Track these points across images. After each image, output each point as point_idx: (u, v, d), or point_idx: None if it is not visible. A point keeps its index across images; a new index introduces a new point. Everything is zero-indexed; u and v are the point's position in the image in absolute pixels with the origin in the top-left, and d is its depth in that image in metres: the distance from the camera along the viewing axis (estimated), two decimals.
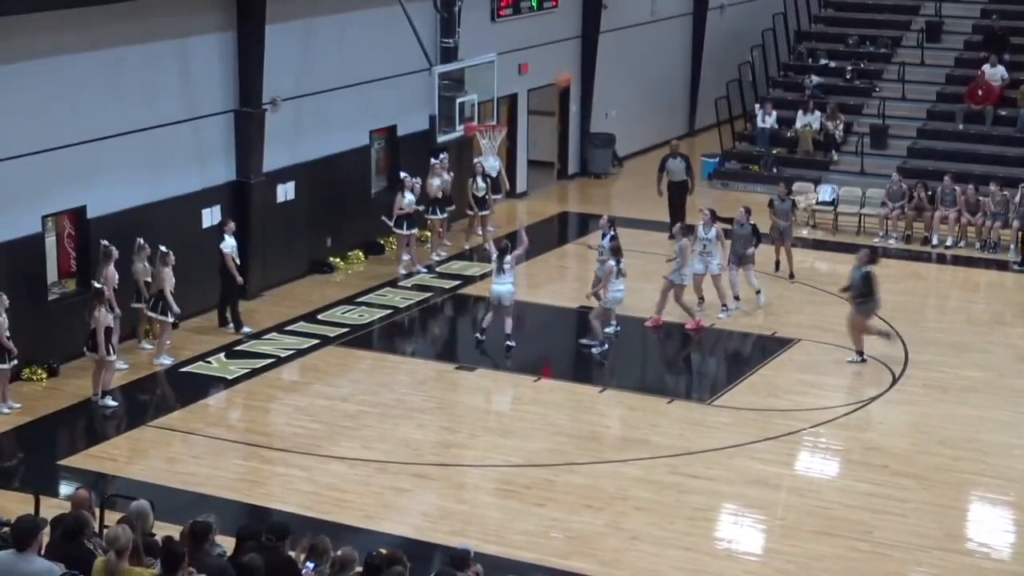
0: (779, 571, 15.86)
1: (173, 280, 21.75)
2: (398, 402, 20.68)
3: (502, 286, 22.96)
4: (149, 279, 22.01)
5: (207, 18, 24.17)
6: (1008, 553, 16.71)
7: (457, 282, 26.49)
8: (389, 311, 24.79)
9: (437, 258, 27.59)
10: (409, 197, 26.65)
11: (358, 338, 23.49)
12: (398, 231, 26.80)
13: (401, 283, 26.23)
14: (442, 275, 26.75)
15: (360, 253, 27.56)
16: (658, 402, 20.73)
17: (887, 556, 16.15)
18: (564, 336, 25.03)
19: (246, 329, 23.36)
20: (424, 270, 26.86)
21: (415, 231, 27.02)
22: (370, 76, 27.62)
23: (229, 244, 23.25)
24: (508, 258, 22.98)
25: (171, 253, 21.72)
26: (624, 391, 21.21)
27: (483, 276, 26.47)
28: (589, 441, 19.29)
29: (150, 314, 22.11)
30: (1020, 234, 28.28)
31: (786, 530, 16.85)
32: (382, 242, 27.94)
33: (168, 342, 22.06)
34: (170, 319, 21.96)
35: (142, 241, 22.03)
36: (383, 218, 26.69)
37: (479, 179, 28.66)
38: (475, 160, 29.54)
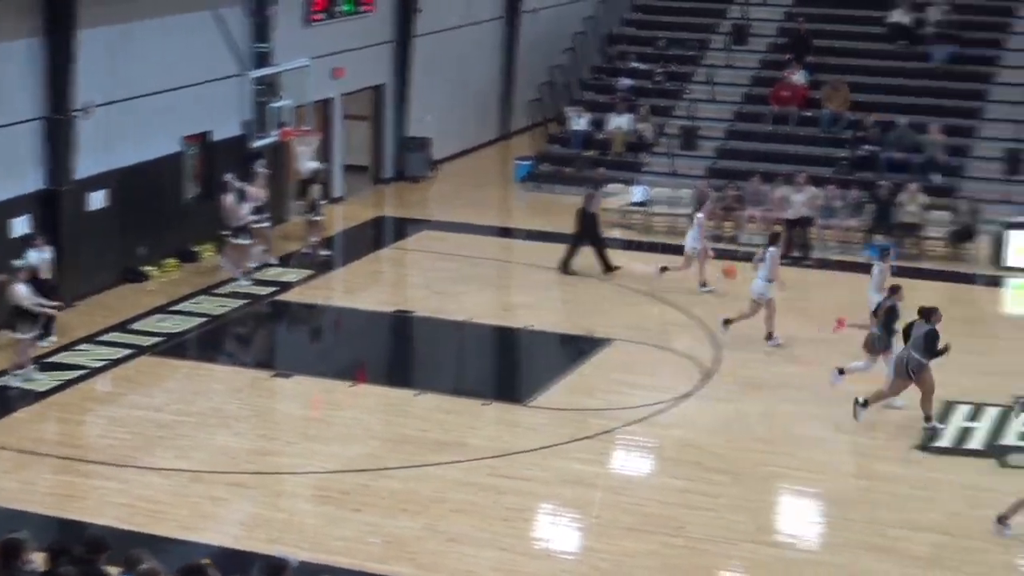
0: (595, 569, 16.07)
1: None
2: (214, 411, 20.53)
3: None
4: None
5: (14, 24, 23.72)
6: (816, 544, 17.10)
7: (274, 288, 26.36)
8: (204, 319, 24.58)
9: (254, 265, 27.43)
10: (246, 205, 26.51)
11: (173, 347, 23.25)
12: (240, 240, 26.50)
13: (216, 291, 26.02)
14: (259, 282, 26.57)
15: (174, 261, 27.28)
16: (474, 404, 20.86)
17: (700, 551, 16.45)
18: (379, 340, 25.08)
19: (51, 339, 22.93)
20: (243, 277, 26.64)
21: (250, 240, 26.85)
22: (183, 82, 27.36)
23: (37, 256, 22.81)
24: None
25: None
26: (440, 394, 21.26)
27: (300, 282, 26.47)
28: (406, 445, 19.34)
29: None
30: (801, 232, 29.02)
31: (601, 528, 17.07)
32: (197, 250, 27.70)
33: None
34: None
35: None
36: (224, 232, 26.43)
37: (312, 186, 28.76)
38: (304, 165, 29.52)
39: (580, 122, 35.36)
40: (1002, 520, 16.84)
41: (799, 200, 29.32)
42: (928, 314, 20.06)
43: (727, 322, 23.99)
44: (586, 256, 27.57)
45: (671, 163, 33.92)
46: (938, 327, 19.94)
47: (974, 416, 20.63)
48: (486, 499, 17.66)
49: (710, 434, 19.98)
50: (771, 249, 23.83)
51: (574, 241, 27.81)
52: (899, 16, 36.46)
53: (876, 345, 20.96)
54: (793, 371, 22.55)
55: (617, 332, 24.17)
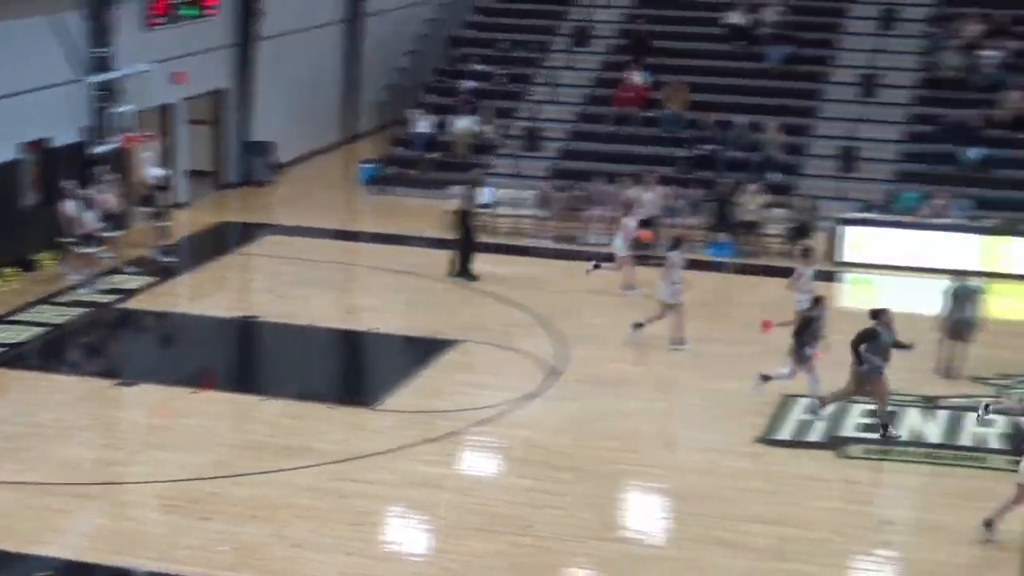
0: (444, 570, 16.16)
1: None
2: (56, 421, 20.24)
3: None
4: None
5: None
6: (662, 539, 17.36)
7: (117, 296, 26.08)
8: (45, 328, 24.25)
9: (98, 272, 27.05)
10: (91, 213, 26.17)
11: (12, 358, 22.90)
12: (85, 248, 26.14)
13: (56, 299, 25.68)
14: (102, 290, 26.25)
15: (13, 270, 26.85)
16: (320, 409, 20.83)
17: (547, 549, 16.61)
18: (225, 346, 24.95)
19: None
20: (86, 285, 26.29)
21: (97, 247, 26.50)
22: (20, 87, 26.92)
23: None
24: None
25: None
26: (286, 399, 21.21)
27: (144, 289, 26.25)
28: (253, 451, 19.26)
29: None
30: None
31: (450, 529, 17.16)
32: (36, 258, 27.30)
33: None
34: None
35: None
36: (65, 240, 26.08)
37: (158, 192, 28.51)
38: (148, 171, 29.24)
39: (424, 124, 35.46)
40: (988, 524, 16.87)
41: (649, 200, 29.67)
42: (876, 314, 20.31)
43: (638, 326, 24.17)
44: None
45: (515, 164, 34.16)
46: (880, 328, 20.09)
47: (812, 409, 21.02)
48: (334, 504, 17.66)
49: (556, 433, 20.16)
50: (674, 253, 24.12)
51: (464, 247, 27.80)
52: (736, 17, 37.12)
53: (798, 355, 20.94)
54: (638, 369, 22.86)
55: (463, 333, 24.30)
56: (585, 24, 38.29)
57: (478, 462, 19.76)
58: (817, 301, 21.32)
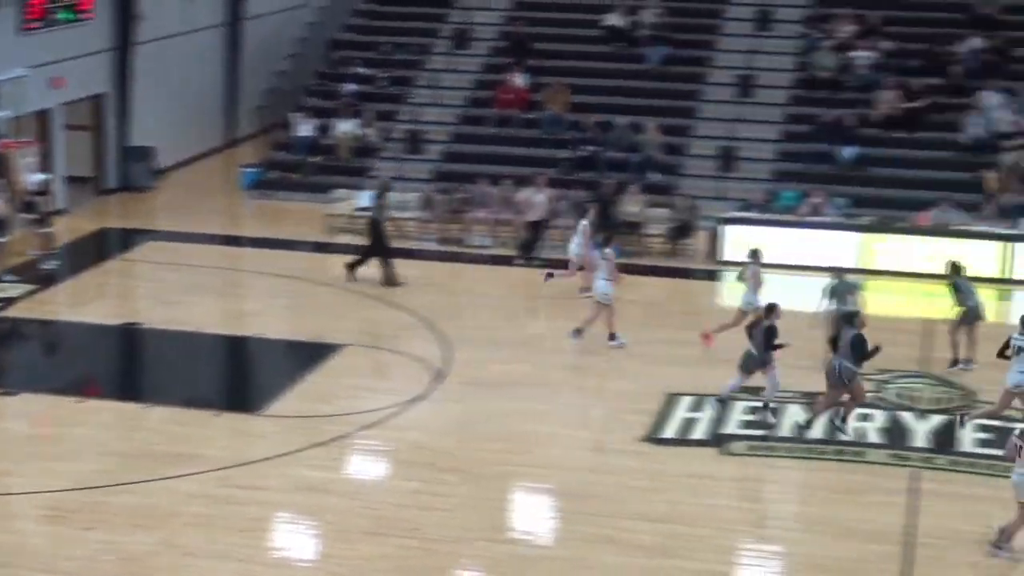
0: (332, 574, 16.18)
1: None
2: None
3: None
4: None
5: None
6: (550, 539, 17.50)
7: None
8: None
9: None
10: None
11: None
12: None
13: None
14: None
15: None
16: (206, 415, 20.75)
17: (435, 551, 16.69)
18: (108, 354, 24.75)
19: None
20: None
21: None
22: None
23: None
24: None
25: None
26: (171, 407, 21.08)
27: (24, 297, 25.97)
28: (139, 459, 19.13)
29: None
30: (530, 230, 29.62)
31: (338, 533, 17.18)
32: None
33: None
34: None
35: None
36: None
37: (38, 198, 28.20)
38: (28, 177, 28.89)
39: (305, 128, 35.37)
40: (999, 547, 16.84)
41: (540, 201, 29.78)
42: (849, 318, 20.46)
43: (578, 332, 24.25)
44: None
45: (398, 167, 34.18)
46: (863, 331, 20.20)
47: (696, 407, 21.29)
48: (222, 511, 17.62)
49: (443, 435, 20.25)
50: (607, 250, 24.30)
51: (380, 253, 27.70)
52: (615, 19, 37.42)
53: (751, 365, 20.77)
54: (523, 370, 22.99)
55: (348, 337, 24.31)
56: (465, 27, 38.41)
57: (365, 466, 19.78)
58: (771, 309, 20.89)
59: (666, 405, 21.30)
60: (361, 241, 28.38)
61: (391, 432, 20.38)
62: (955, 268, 23.66)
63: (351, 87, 36.54)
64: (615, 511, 17.80)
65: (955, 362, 23.09)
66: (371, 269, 27.44)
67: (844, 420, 20.40)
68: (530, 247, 29.50)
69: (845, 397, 20.35)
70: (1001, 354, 20.17)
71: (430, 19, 39.10)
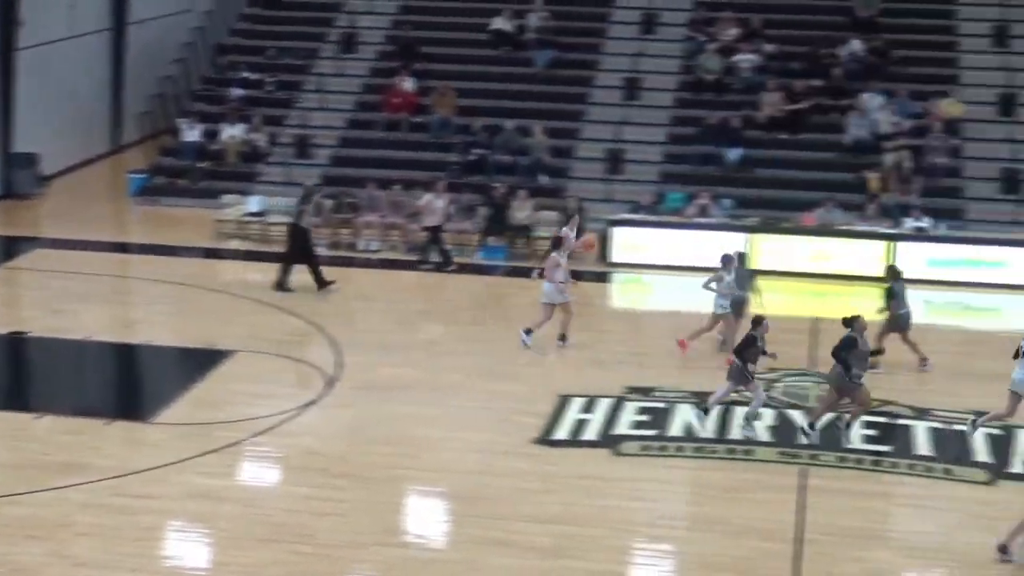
0: None
1: None
2: None
3: None
4: None
5: None
6: (443, 542, 17.56)
7: None
8: None
9: None
10: None
11: None
12: None
13: None
14: None
15: None
16: (96, 424, 20.56)
17: (329, 557, 16.68)
18: None
19: None
20: None
21: None
22: None
23: None
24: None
25: None
26: (61, 416, 20.86)
27: None
28: (28, 470, 18.92)
29: None
30: (431, 235, 29.64)
31: (231, 541, 17.12)
32: None
33: None
34: None
35: None
36: None
37: None
38: None
39: (192, 133, 35.15)
40: (1003, 550, 16.74)
41: (440, 207, 29.75)
42: (850, 322, 20.41)
43: (528, 332, 24.28)
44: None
45: (286, 172, 34.09)
46: (860, 335, 20.21)
47: (588, 408, 21.44)
48: (114, 520, 17.48)
49: (335, 440, 20.25)
50: (554, 253, 24.35)
51: (286, 258, 27.56)
52: (501, 23, 37.56)
53: (740, 376, 20.57)
54: (414, 374, 23.01)
55: (239, 343, 24.19)
56: (352, 30, 38.38)
57: (258, 472, 19.71)
58: (759, 321, 20.76)
59: (558, 407, 21.44)
60: (253, 246, 28.27)
61: (283, 438, 20.33)
62: (893, 272, 23.88)
63: (238, 92, 36.38)
64: (508, 513, 17.88)
65: (876, 358, 22.97)
66: (301, 275, 27.44)
67: (849, 426, 20.37)
68: (429, 251, 29.49)
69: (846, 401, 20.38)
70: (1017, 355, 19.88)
71: (316, 23, 39.03)
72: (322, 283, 27.32)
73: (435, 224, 29.41)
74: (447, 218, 29.98)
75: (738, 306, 23.82)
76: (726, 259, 23.92)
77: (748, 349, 20.51)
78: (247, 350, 23.92)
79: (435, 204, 29.56)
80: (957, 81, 35.42)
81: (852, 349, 20.04)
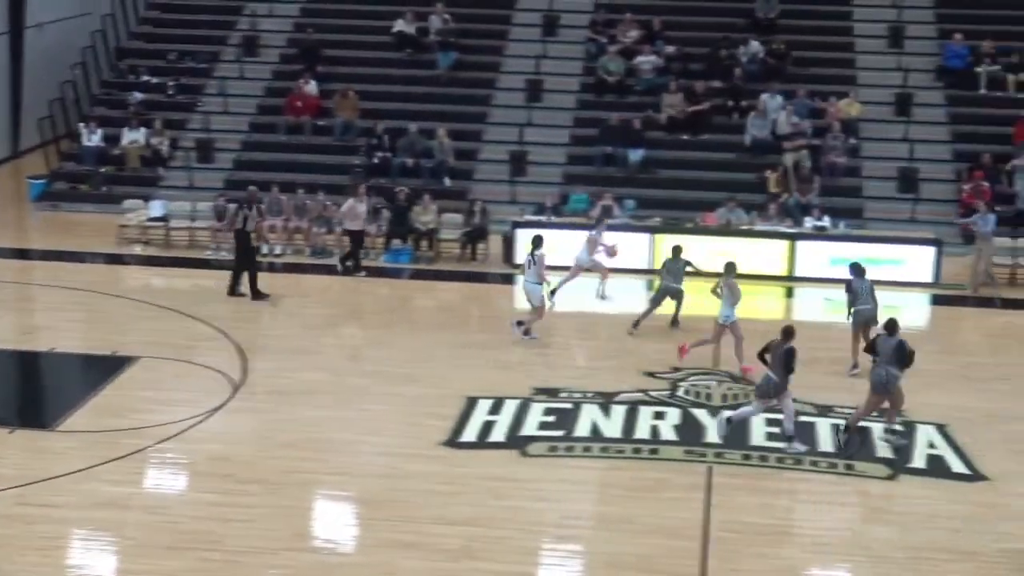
0: None
1: None
2: None
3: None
4: None
5: None
6: (353, 546, 17.57)
7: None
8: None
9: None
10: None
11: None
12: None
13: None
14: None
15: None
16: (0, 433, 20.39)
17: (238, 563, 16.63)
18: None
19: None
20: None
21: None
22: None
23: None
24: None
25: None
26: None
27: None
28: None
29: None
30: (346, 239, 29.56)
31: (138, 549, 17.01)
32: None
33: None
34: None
35: None
36: None
37: None
38: None
39: (93, 138, 34.84)
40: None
41: (363, 211, 29.60)
42: (893, 327, 20.34)
43: (520, 323, 24.81)
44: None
45: (188, 176, 33.88)
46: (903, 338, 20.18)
47: (495, 410, 21.52)
48: (18, 530, 17.31)
49: (242, 445, 20.18)
50: (538, 252, 24.56)
51: (236, 264, 27.37)
52: (403, 25, 37.55)
53: (773, 390, 20.10)
54: (321, 377, 22.98)
55: (143, 349, 24.03)
56: (254, 34, 38.21)
57: (164, 479, 19.59)
58: (789, 333, 20.23)
59: (465, 409, 21.50)
60: (156, 252, 28.05)
61: (190, 444, 20.22)
62: (856, 269, 24.05)
63: (139, 96, 36.12)
64: (417, 516, 17.92)
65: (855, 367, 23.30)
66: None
67: (892, 430, 20.43)
68: (359, 256, 29.35)
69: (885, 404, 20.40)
70: None
71: (218, 26, 38.85)
72: (257, 294, 27.14)
73: (358, 229, 29.26)
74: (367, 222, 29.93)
75: (667, 294, 24.92)
76: (728, 267, 23.69)
77: (790, 363, 19.93)
78: (151, 356, 23.76)
79: (358, 209, 29.36)
80: (854, 82, 35.89)
81: (902, 352, 20.11)
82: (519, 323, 24.91)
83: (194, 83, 36.94)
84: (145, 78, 37.02)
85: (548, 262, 24.65)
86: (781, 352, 19.93)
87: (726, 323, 23.44)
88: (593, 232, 27.56)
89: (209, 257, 30.02)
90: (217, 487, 18.78)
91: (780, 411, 20.25)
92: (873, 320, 23.21)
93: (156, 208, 31.77)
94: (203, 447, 20.13)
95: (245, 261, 27.31)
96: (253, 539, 17.23)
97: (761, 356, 20.50)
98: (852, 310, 23.57)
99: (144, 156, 34.50)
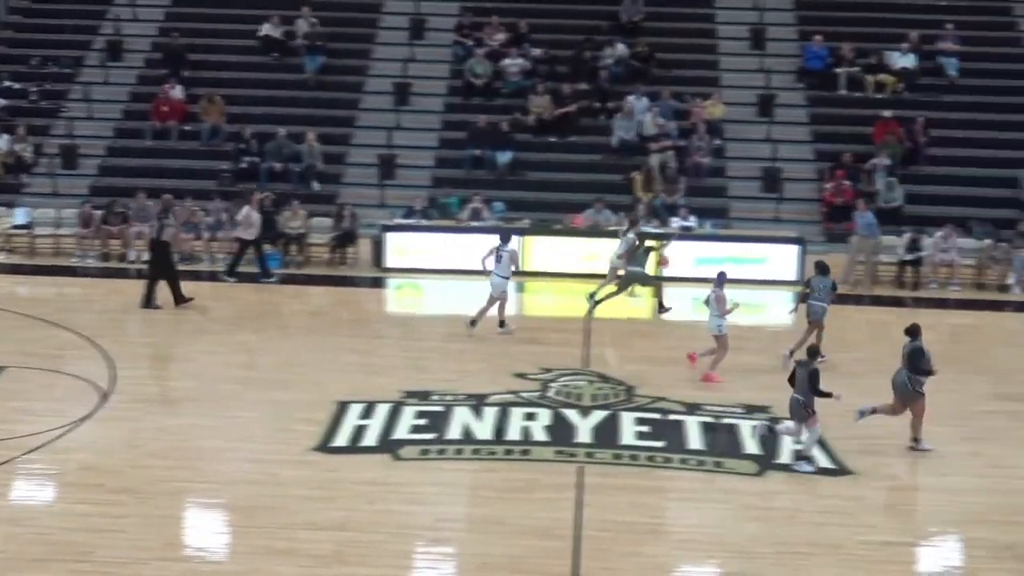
0: None
1: None
2: None
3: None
4: None
5: None
6: (224, 554, 17.46)
7: None
8: None
9: None
10: None
11: None
12: None
13: None
14: None
15: None
16: None
17: (110, 574, 16.43)
18: None
19: None
20: None
21: None
22: None
23: None
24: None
25: None
26: None
27: None
28: None
29: None
30: (238, 246, 29.38)
31: (5, 562, 16.76)
32: None
33: None
34: None
35: None
36: None
37: None
38: None
39: None
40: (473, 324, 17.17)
41: (257, 219, 29.38)
42: (914, 333, 20.18)
43: (473, 323, 24.83)
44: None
45: (53, 183, 33.48)
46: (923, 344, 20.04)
47: (367, 414, 21.51)
48: None
49: (111, 455, 19.96)
50: (508, 247, 24.86)
51: (151, 273, 26.98)
52: (269, 29, 37.42)
53: (803, 411, 19.66)
54: (190, 385, 22.85)
55: (6, 359, 23.71)
56: (118, 38, 37.83)
57: (31, 490, 19.31)
58: (814, 353, 19.97)
59: (336, 414, 21.48)
60: (20, 260, 27.69)
61: (57, 455, 19.98)
62: (821, 267, 24.19)
63: (1, 102, 35.60)
64: (289, 522, 17.86)
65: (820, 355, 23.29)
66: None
67: (918, 439, 20.33)
68: (264, 263, 29.19)
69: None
70: None
71: (81, 31, 38.42)
72: (180, 299, 26.89)
73: (253, 237, 29.04)
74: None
75: (631, 280, 25.97)
76: (719, 277, 23.51)
77: (816, 383, 19.60)
78: (16, 366, 23.46)
79: (253, 217, 29.11)
80: (718, 83, 36.41)
81: (922, 358, 20.12)
82: (501, 323, 25.02)
83: (58, 88, 36.54)
84: (7, 84, 36.54)
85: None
86: (805, 373, 19.64)
87: (718, 333, 23.26)
88: (631, 235, 27.22)
89: (75, 264, 29.65)
90: (87, 497, 18.57)
91: (645, 409, 20.45)
92: (821, 318, 23.55)
93: (20, 216, 31.39)
94: (71, 457, 19.89)
95: (162, 271, 26.99)
96: (123, 549, 17.05)
97: (790, 380, 20.11)
98: (805, 304, 23.78)
99: (7, 163, 34.04)
